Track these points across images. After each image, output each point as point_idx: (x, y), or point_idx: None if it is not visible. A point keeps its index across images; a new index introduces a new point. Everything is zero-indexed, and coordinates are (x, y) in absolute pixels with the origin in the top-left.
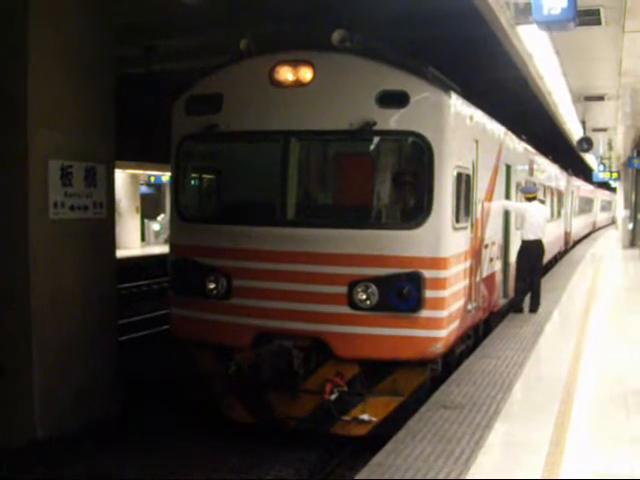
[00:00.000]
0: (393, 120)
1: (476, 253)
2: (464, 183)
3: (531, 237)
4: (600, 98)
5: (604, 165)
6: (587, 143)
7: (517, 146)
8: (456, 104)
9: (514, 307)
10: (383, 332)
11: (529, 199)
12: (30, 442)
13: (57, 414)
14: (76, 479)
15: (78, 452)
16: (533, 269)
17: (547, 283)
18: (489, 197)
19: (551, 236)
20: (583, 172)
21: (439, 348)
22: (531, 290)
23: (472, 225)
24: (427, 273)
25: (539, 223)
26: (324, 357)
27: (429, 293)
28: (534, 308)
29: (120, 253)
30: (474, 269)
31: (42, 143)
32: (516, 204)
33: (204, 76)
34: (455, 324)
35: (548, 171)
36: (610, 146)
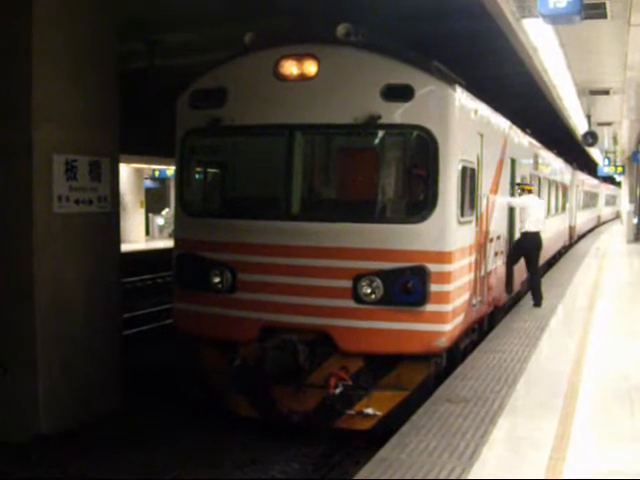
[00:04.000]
0: (398, 114)
1: (481, 247)
2: (469, 177)
3: (532, 229)
4: (605, 92)
5: (609, 159)
6: (592, 137)
7: (522, 140)
8: (461, 98)
9: (534, 300)
10: (388, 326)
11: (529, 191)
12: (34, 438)
13: (61, 410)
14: (80, 475)
15: (82, 448)
16: (529, 263)
17: (551, 277)
18: (494, 191)
19: (555, 230)
20: (588, 166)
21: (444, 342)
22: (531, 286)
23: (477, 219)
24: (432, 267)
25: (540, 216)
26: (329, 351)
27: (434, 287)
28: (538, 302)
29: (124, 247)
30: (479, 263)
31: (46, 137)
32: (519, 199)
33: (208, 70)
34: (460, 318)
35: (553, 165)
36: (615, 140)
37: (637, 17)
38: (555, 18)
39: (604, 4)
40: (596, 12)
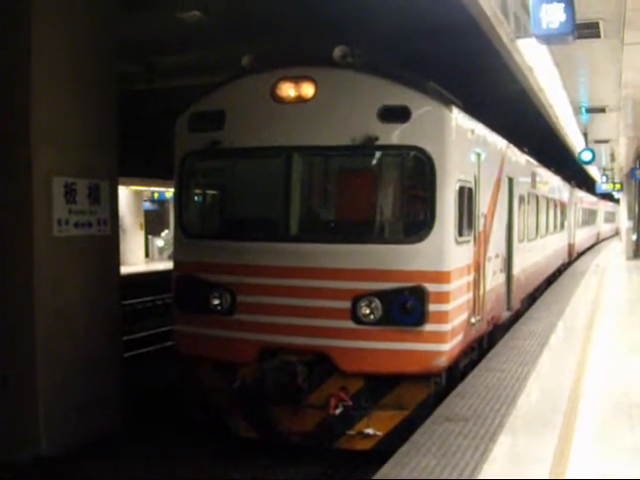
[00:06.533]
0: (395, 135)
1: (479, 266)
2: (466, 196)
3: None
4: (601, 110)
5: (607, 176)
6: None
7: (519, 159)
8: (457, 118)
9: None
10: (387, 346)
11: None
12: (34, 458)
13: (61, 429)
14: None
15: (82, 468)
16: None
17: (551, 295)
18: (492, 210)
19: (554, 248)
20: (586, 183)
21: (443, 362)
22: None
23: (475, 238)
24: (430, 287)
25: None
26: (328, 372)
27: (432, 307)
28: None
29: (124, 269)
30: (477, 282)
31: (45, 160)
32: None
33: (206, 93)
34: (459, 337)
35: (551, 183)
36: (613, 157)
37: (630, 36)
38: (548, 38)
39: (597, 24)
40: (589, 32)
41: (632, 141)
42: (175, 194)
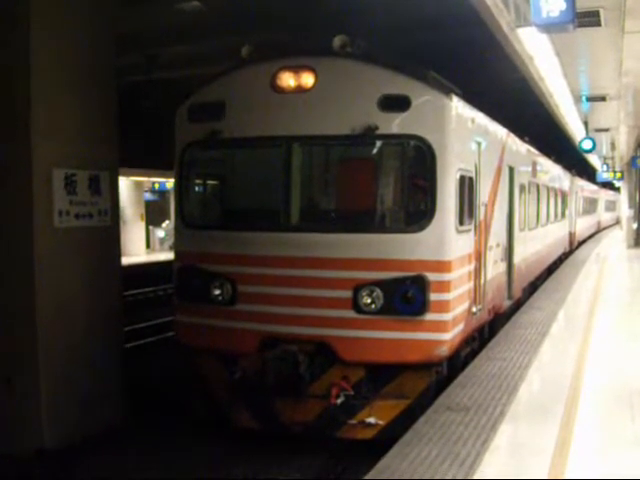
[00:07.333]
0: (395, 124)
1: (480, 255)
2: (467, 186)
3: None
4: (602, 99)
5: (607, 165)
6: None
7: (520, 147)
8: (457, 107)
9: None
10: (388, 335)
11: None
12: (37, 452)
13: (64, 423)
14: None
15: (83, 462)
16: None
17: (552, 283)
18: (492, 199)
19: (555, 237)
20: (587, 172)
21: (444, 351)
22: None
23: (476, 227)
24: (431, 276)
25: None
26: (330, 361)
27: (434, 296)
28: None
29: (125, 260)
30: (478, 271)
31: (45, 152)
32: None
33: (206, 83)
34: (460, 327)
35: (551, 172)
36: (613, 146)
37: (631, 24)
38: (549, 27)
39: (598, 12)
40: (590, 20)
41: (632, 129)
42: (176, 184)
